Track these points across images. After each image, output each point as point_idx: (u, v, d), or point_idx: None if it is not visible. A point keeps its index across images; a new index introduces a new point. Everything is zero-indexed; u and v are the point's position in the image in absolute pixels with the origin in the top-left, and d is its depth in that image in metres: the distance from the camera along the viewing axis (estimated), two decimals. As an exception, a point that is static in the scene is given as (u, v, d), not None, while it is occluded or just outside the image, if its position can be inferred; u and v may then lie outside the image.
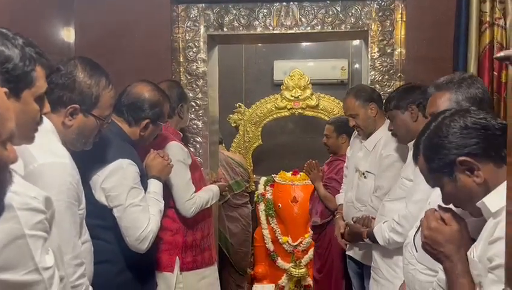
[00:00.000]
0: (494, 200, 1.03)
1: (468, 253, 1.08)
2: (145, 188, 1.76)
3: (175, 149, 2.06)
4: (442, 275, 1.15)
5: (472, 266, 1.05)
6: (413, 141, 1.94)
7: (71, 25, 2.61)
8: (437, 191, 1.43)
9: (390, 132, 2.13)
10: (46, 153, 1.24)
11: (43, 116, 1.25)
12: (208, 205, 2.18)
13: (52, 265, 0.92)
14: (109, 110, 1.50)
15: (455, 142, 1.07)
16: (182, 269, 2.10)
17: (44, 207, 0.91)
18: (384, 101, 2.17)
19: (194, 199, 2.08)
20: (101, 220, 1.65)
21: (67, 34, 2.59)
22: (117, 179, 1.63)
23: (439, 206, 1.21)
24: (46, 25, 2.42)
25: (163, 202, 1.82)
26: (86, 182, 1.62)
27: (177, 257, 2.09)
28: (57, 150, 1.29)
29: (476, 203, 1.07)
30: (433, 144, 1.12)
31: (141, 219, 1.65)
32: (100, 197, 1.64)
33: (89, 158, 1.61)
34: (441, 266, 1.15)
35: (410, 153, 1.97)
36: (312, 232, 3.25)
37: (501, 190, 1.02)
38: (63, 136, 1.37)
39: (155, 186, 1.82)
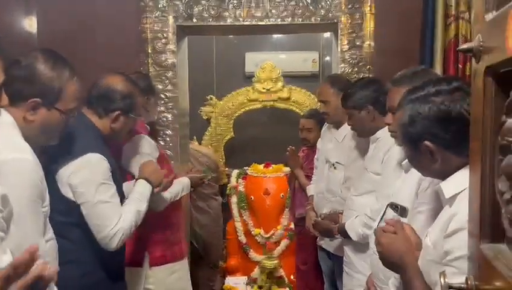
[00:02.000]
0: (449, 187, 1.05)
1: (423, 239, 1.11)
2: (118, 185, 1.68)
3: (141, 141, 2.02)
4: None
5: (427, 252, 1.06)
6: (374, 135, 1.97)
7: (33, 14, 2.51)
8: (398, 184, 1.48)
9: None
10: (7, 148, 1.18)
11: (1, 109, 1.19)
12: (177, 198, 2.15)
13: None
14: (74, 103, 1.44)
15: (428, 129, 1.07)
16: (151, 264, 2.08)
17: (0, 206, 0.87)
18: (340, 97, 2.14)
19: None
20: (66, 217, 1.56)
21: (29, 23, 2.49)
22: (85, 174, 1.56)
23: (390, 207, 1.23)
24: (5, 13, 2.33)
25: (146, 204, 1.73)
26: (52, 176, 1.55)
27: (146, 252, 2.06)
28: (18, 145, 1.23)
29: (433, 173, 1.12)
30: (411, 115, 1.10)
31: (110, 215, 1.58)
32: (67, 192, 1.56)
33: (56, 150, 1.54)
34: None
35: (372, 146, 2.00)
36: (294, 225, 3.26)
37: (457, 177, 1.04)
38: (26, 131, 1.30)
39: (141, 186, 1.75)
